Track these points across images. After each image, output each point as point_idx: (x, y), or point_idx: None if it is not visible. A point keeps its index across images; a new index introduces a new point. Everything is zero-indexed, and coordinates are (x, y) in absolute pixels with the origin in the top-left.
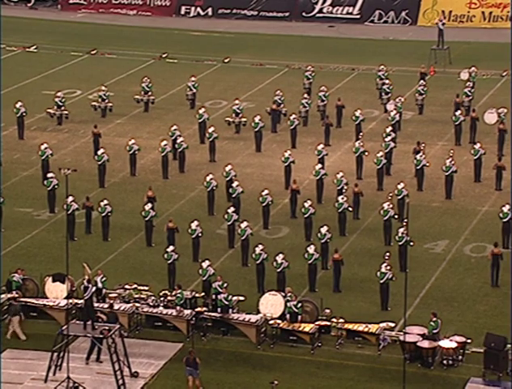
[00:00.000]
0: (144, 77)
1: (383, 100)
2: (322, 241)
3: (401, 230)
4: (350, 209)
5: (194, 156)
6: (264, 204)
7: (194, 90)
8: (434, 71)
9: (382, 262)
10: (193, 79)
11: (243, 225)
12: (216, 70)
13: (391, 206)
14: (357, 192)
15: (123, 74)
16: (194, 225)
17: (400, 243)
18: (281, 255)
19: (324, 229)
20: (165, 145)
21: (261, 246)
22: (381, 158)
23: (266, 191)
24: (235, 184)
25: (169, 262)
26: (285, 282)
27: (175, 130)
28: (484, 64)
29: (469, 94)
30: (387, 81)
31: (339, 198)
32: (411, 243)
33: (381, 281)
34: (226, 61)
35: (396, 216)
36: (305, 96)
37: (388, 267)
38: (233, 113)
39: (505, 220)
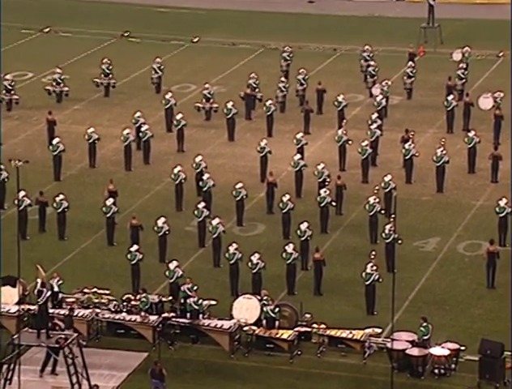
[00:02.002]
0: (104, 58)
1: (368, 84)
2: (302, 238)
3: (388, 226)
4: (333, 204)
5: (160, 145)
6: (238, 199)
7: (160, 73)
8: (424, 52)
9: (368, 261)
10: (158, 60)
11: (214, 222)
12: (184, 51)
13: (377, 200)
14: (340, 185)
15: (80, 54)
16: (160, 222)
17: (387, 241)
18: (257, 255)
19: (304, 226)
20: (128, 133)
21: (234, 245)
22: (366, 147)
23: (239, 184)
24: (205, 176)
25: (133, 263)
26: (261, 284)
27: (139, 117)
28: (479, 43)
29: (462, 76)
30: (373, 62)
31: (321, 191)
32: (400, 241)
33: (367, 283)
34: (195, 40)
35: (383, 211)
36: (283, 79)
37: (374, 268)
38: (203, 99)
39: (501, 215)
